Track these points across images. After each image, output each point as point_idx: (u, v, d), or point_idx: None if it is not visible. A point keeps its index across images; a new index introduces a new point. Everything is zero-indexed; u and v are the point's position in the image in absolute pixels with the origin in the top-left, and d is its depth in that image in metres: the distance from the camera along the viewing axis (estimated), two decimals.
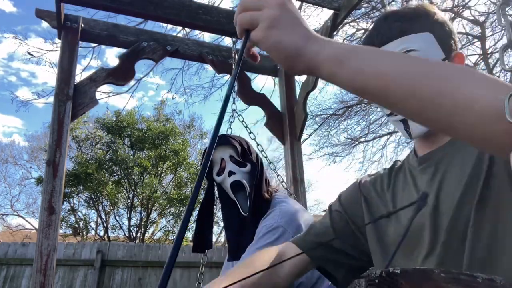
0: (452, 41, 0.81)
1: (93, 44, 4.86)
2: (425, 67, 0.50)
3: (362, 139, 9.77)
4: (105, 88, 7.10)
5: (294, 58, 0.55)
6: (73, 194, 11.16)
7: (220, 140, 1.52)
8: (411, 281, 0.22)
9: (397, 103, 0.51)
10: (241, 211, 1.42)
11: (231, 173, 1.45)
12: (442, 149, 0.80)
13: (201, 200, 1.60)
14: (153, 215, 12.02)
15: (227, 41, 6.99)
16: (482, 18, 7.35)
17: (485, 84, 0.46)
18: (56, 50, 6.25)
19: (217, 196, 1.58)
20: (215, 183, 1.54)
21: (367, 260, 0.91)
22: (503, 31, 6.60)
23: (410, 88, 0.49)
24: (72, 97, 2.35)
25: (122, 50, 2.65)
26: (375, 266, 0.89)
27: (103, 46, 6.36)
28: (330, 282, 1.31)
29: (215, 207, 1.63)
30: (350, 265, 0.93)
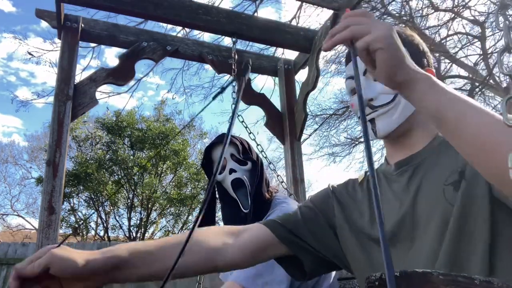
0: (424, 58, 0.89)
1: (93, 44, 4.87)
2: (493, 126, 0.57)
3: (362, 139, 9.76)
4: (105, 88, 7.10)
5: (399, 69, 0.63)
6: (73, 194, 11.17)
7: (221, 138, 1.52)
8: (411, 283, 0.22)
9: (463, 142, 0.60)
10: (242, 208, 1.42)
11: (232, 170, 1.45)
12: (419, 154, 0.84)
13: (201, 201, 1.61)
14: (153, 215, 12.03)
15: (227, 41, 6.99)
16: (482, 18, 7.36)
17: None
18: (56, 50, 6.25)
19: (217, 195, 1.58)
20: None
21: (332, 257, 0.92)
22: (502, 32, 6.59)
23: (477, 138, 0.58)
24: (72, 97, 2.35)
25: (122, 50, 2.65)
26: (353, 261, 0.89)
27: (102, 46, 6.36)
28: (330, 282, 1.32)
29: (216, 206, 1.63)
30: (316, 255, 0.91)
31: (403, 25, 6.73)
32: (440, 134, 0.86)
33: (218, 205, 1.66)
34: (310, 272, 0.93)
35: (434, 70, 0.90)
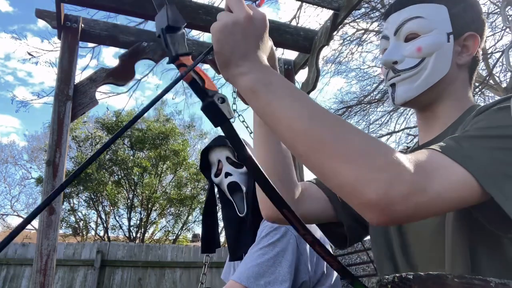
0: (471, 21, 0.82)
1: (92, 44, 4.86)
2: (317, 124, 0.54)
3: None
4: (105, 88, 7.10)
5: (222, 67, 0.60)
6: (73, 194, 11.16)
7: (217, 141, 1.52)
8: (424, 286, 0.22)
9: (287, 145, 0.57)
10: (238, 212, 1.42)
11: (227, 174, 1.45)
12: (440, 138, 0.78)
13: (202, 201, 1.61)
14: (153, 215, 12.01)
15: None
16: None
17: (352, 160, 0.51)
18: (55, 50, 6.24)
19: (218, 196, 1.59)
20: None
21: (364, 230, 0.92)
22: (503, 31, 6.60)
23: (294, 137, 0.55)
24: (72, 97, 2.34)
25: (122, 50, 2.65)
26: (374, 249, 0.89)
27: (100, 46, 6.35)
28: (332, 281, 1.31)
29: (217, 207, 1.63)
30: (356, 219, 0.91)
31: None
32: (472, 107, 0.80)
33: (218, 206, 1.66)
34: (350, 238, 0.93)
35: (479, 39, 0.81)
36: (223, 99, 0.58)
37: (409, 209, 0.49)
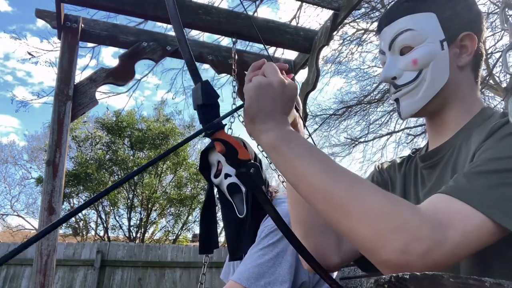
0: (464, 20, 0.80)
1: (91, 44, 4.86)
2: (336, 187, 0.57)
3: (362, 139, 9.77)
4: (104, 88, 7.09)
5: (248, 122, 0.67)
6: (73, 194, 11.15)
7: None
8: (421, 286, 0.22)
9: (310, 202, 0.60)
10: (237, 213, 1.42)
11: (227, 175, 1.45)
12: (447, 144, 0.78)
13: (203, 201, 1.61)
14: (153, 215, 12.01)
15: (227, 41, 6.98)
16: None
17: (369, 221, 0.53)
18: (55, 50, 6.24)
19: (217, 197, 1.58)
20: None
21: None
22: (503, 32, 6.60)
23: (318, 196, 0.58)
24: (72, 97, 2.34)
25: (121, 50, 2.65)
26: None
27: (99, 46, 6.36)
28: None
29: (216, 207, 1.63)
30: None
31: None
32: (482, 110, 0.79)
33: (217, 206, 1.66)
34: None
35: (476, 37, 0.80)
36: (256, 167, 0.66)
37: (427, 265, 0.49)
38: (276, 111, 0.66)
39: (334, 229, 0.59)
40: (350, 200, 0.54)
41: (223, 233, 1.59)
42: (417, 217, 0.52)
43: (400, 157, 0.96)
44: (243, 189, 1.43)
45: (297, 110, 0.80)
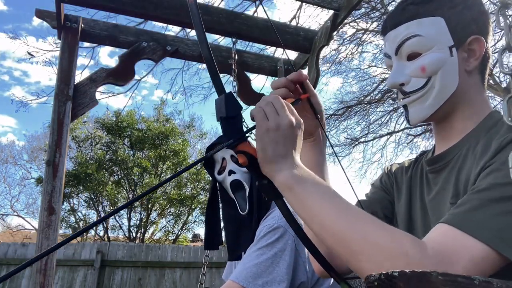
0: (472, 23, 0.77)
1: (90, 44, 4.86)
2: (345, 226, 0.59)
3: (362, 139, 9.78)
4: (104, 88, 7.09)
5: (263, 163, 0.68)
6: (73, 194, 11.16)
7: (223, 139, 1.51)
8: (410, 284, 0.22)
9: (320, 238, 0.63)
10: (239, 210, 1.42)
11: (231, 172, 1.45)
12: (454, 149, 0.77)
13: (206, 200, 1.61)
14: (153, 215, 12.01)
15: (227, 41, 6.98)
16: None
17: (374, 259, 0.55)
18: (55, 51, 6.25)
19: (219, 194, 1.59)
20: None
21: None
22: (502, 32, 6.59)
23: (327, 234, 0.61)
24: (72, 97, 2.34)
25: (121, 50, 2.65)
26: None
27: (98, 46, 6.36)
28: (331, 282, 1.31)
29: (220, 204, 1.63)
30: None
31: None
32: (490, 115, 0.77)
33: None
34: None
35: (484, 40, 0.78)
36: None
37: None
38: (288, 151, 0.67)
39: (343, 260, 0.61)
40: (356, 239, 0.57)
41: (223, 233, 1.59)
42: (417, 249, 0.53)
43: (410, 160, 0.95)
44: (247, 186, 1.43)
45: (319, 119, 0.83)
